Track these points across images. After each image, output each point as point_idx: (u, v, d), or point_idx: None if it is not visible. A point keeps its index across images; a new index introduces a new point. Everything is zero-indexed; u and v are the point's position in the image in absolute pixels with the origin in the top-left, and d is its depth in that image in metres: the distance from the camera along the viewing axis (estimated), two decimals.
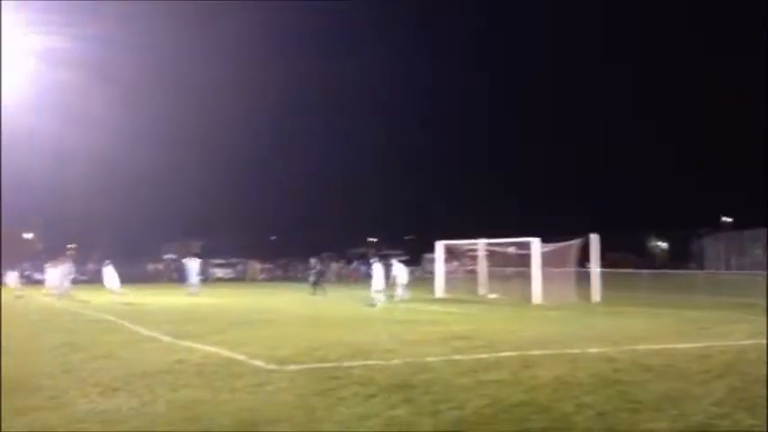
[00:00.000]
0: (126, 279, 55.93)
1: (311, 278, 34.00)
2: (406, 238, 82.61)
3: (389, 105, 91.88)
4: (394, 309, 22.72)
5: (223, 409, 7.45)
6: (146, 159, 73.06)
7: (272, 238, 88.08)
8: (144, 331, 15.52)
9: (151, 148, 71.65)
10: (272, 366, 10.21)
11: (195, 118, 72.31)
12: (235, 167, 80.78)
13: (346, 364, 10.54)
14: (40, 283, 31.86)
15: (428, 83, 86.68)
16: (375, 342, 13.23)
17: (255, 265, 64.63)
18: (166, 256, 71.05)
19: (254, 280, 59.03)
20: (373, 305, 23.21)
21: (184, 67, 71.04)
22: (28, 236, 77.44)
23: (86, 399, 7.94)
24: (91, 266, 59.51)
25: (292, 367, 10.16)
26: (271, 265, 67.17)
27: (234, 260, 66.17)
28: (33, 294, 28.47)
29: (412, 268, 32.08)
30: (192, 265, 34.37)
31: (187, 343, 13.22)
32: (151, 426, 6.71)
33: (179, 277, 45.44)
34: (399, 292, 27.31)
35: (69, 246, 74.32)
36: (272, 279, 59.24)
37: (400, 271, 28.08)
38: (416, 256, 60.23)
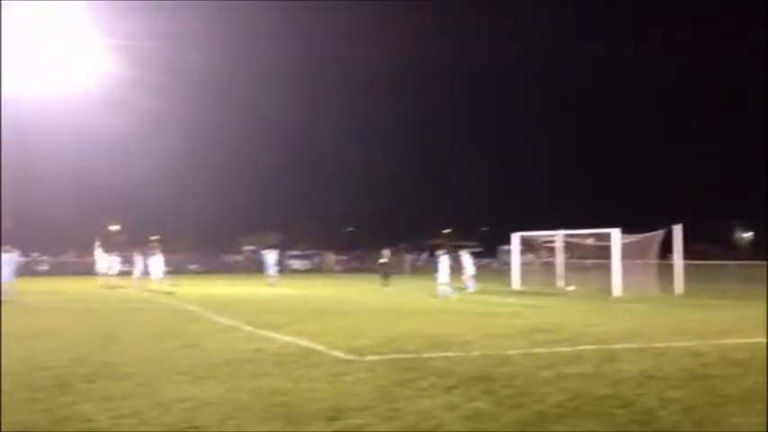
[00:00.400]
0: (206, 270, 57.79)
1: (382, 269, 34.04)
2: (482, 229, 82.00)
3: (465, 96, 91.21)
4: (464, 300, 22.63)
5: (304, 397, 7.55)
6: (224, 154, 74.84)
7: (348, 229, 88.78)
8: (225, 321, 15.87)
9: (229, 142, 73.32)
10: (350, 357, 10.29)
11: (272, 112, 73.46)
12: (311, 160, 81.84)
13: (425, 355, 10.55)
14: (126, 273, 32.78)
15: (511, 75, 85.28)
16: (453, 334, 13.18)
17: (331, 257, 65.28)
18: (245, 248, 72.48)
19: (329, 271, 59.62)
20: (438, 297, 23.12)
21: (261, 61, 72.10)
22: (114, 227, 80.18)
23: (173, 386, 8.14)
24: (173, 258, 61.23)
25: (370, 358, 10.21)
26: (346, 257, 67.77)
27: (310, 252, 67.08)
28: (119, 284, 29.32)
29: (487, 260, 31.91)
30: (270, 256, 34.96)
31: (267, 333, 13.45)
32: (236, 413, 6.84)
33: (257, 268, 46.32)
34: (469, 284, 27.32)
35: (153, 237, 76.80)
36: (347, 270, 59.73)
37: (467, 262, 28.06)
38: (492, 247, 59.74)
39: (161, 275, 28.39)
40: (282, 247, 53.64)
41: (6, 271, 23.07)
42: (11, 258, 23.72)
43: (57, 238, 61.29)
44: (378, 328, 14.18)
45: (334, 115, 78.60)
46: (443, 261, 24.22)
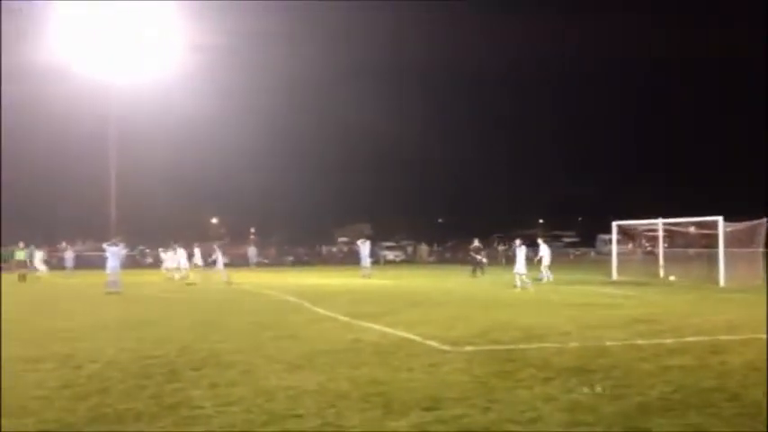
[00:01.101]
0: (301, 262, 58.88)
1: (473, 260, 33.76)
2: (579, 219, 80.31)
3: (562, 91, 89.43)
4: (542, 290, 22.30)
5: (402, 387, 7.62)
6: (317, 148, 76.01)
7: (440, 220, 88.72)
8: (322, 311, 16.16)
9: (324, 137, 74.38)
10: (446, 347, 10.31)
11: (366, 107, 74.02)
12: (404, 153, 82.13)
13: (522, 346, 10.46)
14: (227, 265, 33.61)
15: (613, 72, 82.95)
16: (550, 325, 13.00)
17: (424, 248, 65.41)
18: (340, 240, 73.55)
19: (422, 262, 59.74)
20: (517, 288, 22.79)
21: (350, 59, 72.80)
22: (214, 220, 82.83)
23: (275, 375, 8.38)
24: (272, 251, 62.81)
25: (467, 348, 10.20)
26: (439, 248, 67.76)
27: (403, 243, 67.43)
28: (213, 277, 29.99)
29: (584, 250, 31.25)
30: (365, 248, 35.32)
31: (363, 323, 13.63)
32: (336, 402, 6.98)
33: (352, 260, 46.92)
34: (544, 274, 26.92)
35: (251, 230, 78.98)
36: (440, 261, 59.71)
37: (544, 252, 27.64)
38: (589, 237, 58.44)
39: (255, 263, 29.03)
40: (376, 239, 54.17)
41: (113, 263, 24.18)
42: (117, 251, 24.81)
43: (160, 231, 63.80)
44: (472, 319, 14.14)
45: (424, 110, 78.65)
46: (520, 251, 23.88)
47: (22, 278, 31.64)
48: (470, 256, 34.30)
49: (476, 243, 34.55)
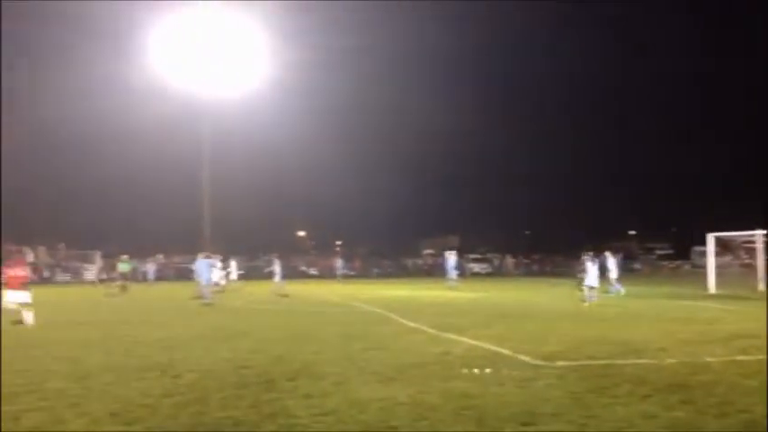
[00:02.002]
0: (387, 274, 59.16)
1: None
2: (672, 230, 77.73)
3: (651, 97, 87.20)
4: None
5: (495, 401, 7.55)
6: (402, 162, 76.28)
7: (527, 232, 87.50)
8: (410, 323, 16.17)
9: (407, 151, 74.61)
10: (538, 362, 10.15)
11: (451, 119, 73.77)
12: (490, 166, 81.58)
13: (617, 361, 10.19)
14: (312, 277, 34.08)
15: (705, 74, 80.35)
16: (645, 340, 12.62)
17: (510, 260, 64.74)
18: (425, 252, 73.55)
19: (509, 275, 59.12)
20: (586, 302, 22.10)
21: (441, 70, 72.90)
22: (301, 233, 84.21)
23: (366, 386, 8.44)
24: (358, 263, 63.40)
25: (560, 363, 10.02)
26: (526, 260, 66.91)
27: (489, 255, 66.92)
28: (305, 288, 30.48)
29: (678, 262, 30.21)
30: (451, 259, 35.22)
31: (451, 335, 13.57)
32: (428, 414, 6.97)
33: (438, 272, 46.86)
34: (616, 286, 26.11)
35: (337, 243, 79.96)
36: (527, 274, 58.95)
37: (612, 264, 26.79)
38: (684, 249, 56.55)
39: (341, 275, 29.36)
40: (462, 251, 53.97)
41: (206, 275, 24.91)
42: (210, 263, 25.55)
43: (249, 244, 65.38)
44: (564, 333, 13.88)
45: (514, 122, 78.06)
46: (590, 264, 23.21)
47: (123, 289, 32.90)
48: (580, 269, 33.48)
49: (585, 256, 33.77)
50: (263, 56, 39.49)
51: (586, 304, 21.63)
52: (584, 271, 22.35)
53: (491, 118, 76.58)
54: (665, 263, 65.67)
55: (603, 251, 26.42)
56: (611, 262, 27.03)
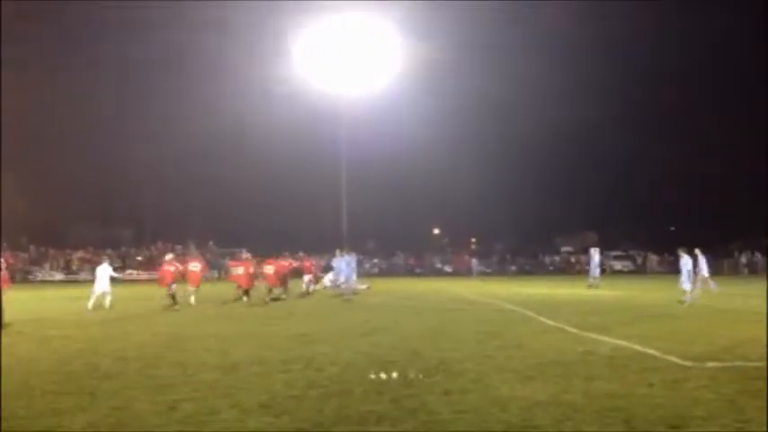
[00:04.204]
0: (523, 271, 58.34)
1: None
2: None
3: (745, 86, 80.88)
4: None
5: (643, 402, 7.27)
6: (540, 156, 74.84)
7: (672, 228, 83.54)
8: (549, 322, 15.85)
9: (545, 145, 73.07)
10: (688, 363, 9.69)
11: (588, 117, 71.57)
12: (633, 159, 78.43)
13: None
14: (447, 274, 34.08)
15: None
16: None
17: (654, 258, 62.11)
18: (563, 249, 71.82)
19: (652, 273, 56.72)
20: (684, 302, 20.72)
21: (577, 70, 71.00)
22: (436, 231, 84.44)
23: (506, 384, 8.33)
24: (493, 260, 62.87)
25: (711, 364, 9.53)
26: (670, 257, 63.90)
27: (632, 252, 64.54)
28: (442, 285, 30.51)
29: None
30: (595, 256, 34.26)
31: (593, 335, 13.19)
32: (572, 415, 6.81)
33: (577, 269, 45.66)
34: (712, 285, 24.87)
35: (472, 240, 79.60)
36: (672, 272, 56.21)
37: (701, 262, 25.00)
38: None
39: (477, 273, 29.14)
40: (603, 248, 52.35)
41: (347, 272, 25.47)
42: (350, 260, 26.10)
43: (388, 242, 66.26)
44: (714, 334, 13.18)
45: (659, 115, 74.80)
46: (685, 261, 21.77)
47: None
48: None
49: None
50: (399, 56, 39.78)
51: (685, 304, 20.67)
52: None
53: (626, 114, 73.58)
54: None
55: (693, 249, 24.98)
56: (701, 259, 25.62)
